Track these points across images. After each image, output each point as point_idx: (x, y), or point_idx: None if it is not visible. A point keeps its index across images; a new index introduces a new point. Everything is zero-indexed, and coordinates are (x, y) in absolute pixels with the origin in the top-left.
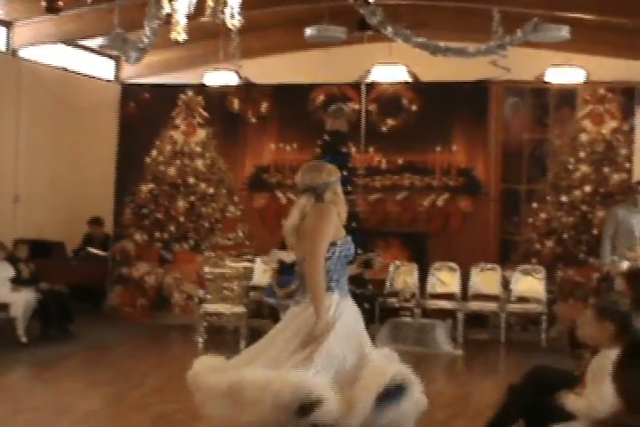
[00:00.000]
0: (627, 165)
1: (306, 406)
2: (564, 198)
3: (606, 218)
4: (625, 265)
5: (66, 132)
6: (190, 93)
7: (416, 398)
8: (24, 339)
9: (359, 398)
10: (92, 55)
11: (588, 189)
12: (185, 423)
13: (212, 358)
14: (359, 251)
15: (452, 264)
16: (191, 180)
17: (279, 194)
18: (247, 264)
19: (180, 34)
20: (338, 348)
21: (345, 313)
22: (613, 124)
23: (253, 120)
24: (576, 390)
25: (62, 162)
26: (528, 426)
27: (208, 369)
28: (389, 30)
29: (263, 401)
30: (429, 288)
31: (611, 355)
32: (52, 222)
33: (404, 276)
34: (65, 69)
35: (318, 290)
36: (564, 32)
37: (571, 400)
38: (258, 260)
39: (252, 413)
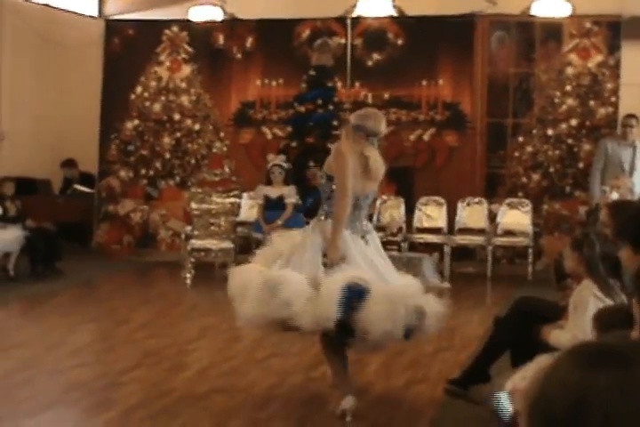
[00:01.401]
0: (612, 98)
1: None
2: (550, 132)
3: (596, 151)
4: (615, 196)
5: (50, 70)
6: (175, 29)
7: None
8: (11, 272)
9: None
10: None
11: (574, 122)
12: (174, 358)
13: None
14: None
15: (439, 198)
16: (176, 116)
17: (265, 129)
18: (234, 200)
19: None
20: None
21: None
22: (599, 57)
23: (238, 56)
24: (559, 322)
25: (47, 99)
26: (515, 357)
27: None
28: None
29: (298, 305)
30: (416, 222)
31: (590, 286)
32: (38, 160)
33: (390, 210)
34: (47, 6)
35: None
36: None
37: (554, 335)
38: (244, 195)
39: (284, 312)
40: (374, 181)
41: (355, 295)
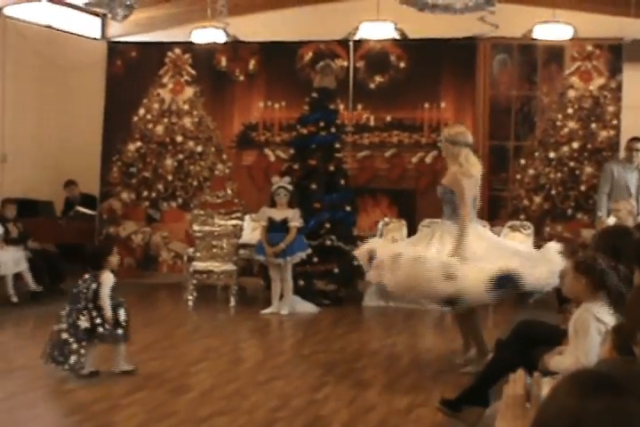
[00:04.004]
0: (614, 121)
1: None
2: (551, 155)
3: (602, 175)
4: (611, 221)
5: (52, 91)
6: (177, 51)
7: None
8: (14, 298)
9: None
10: (78, 13)
11: (575, 145)
12: (176, 380)
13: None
14: (347, 208)
15: (441, 221)
16: (179, 138)
17: (268, 151)
18: (236, 222)
19: None
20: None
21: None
22: (601, 80)
23: (241, 78)
24: (559, 348)
25: (49, 121)
26: None
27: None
28: None
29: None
30: None
31: (591, 309)
32: (40, 182)
33: (392, 233)
34: (50, 27)
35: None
36: None
37: (554, 362)
38: (247, 217)
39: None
40: None
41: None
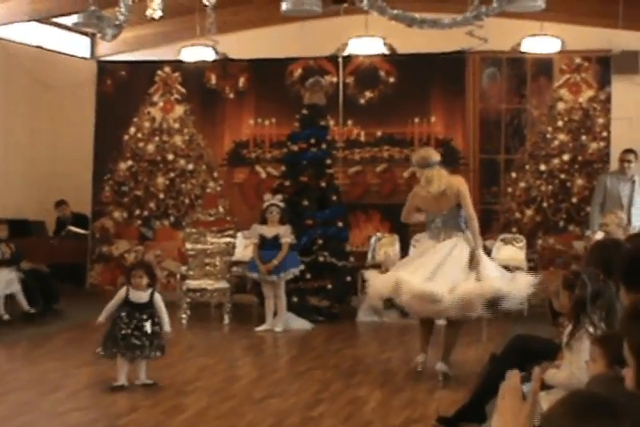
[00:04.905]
0: (604, 133)
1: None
2: (542, 167)
3: (595, 186)
4: (599, 235)
5: (42, 111)
6: (167, 70)
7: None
8: (6, 316)
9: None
10: (67, 33)
11: (566, 157)
12: (172, 400)
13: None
14: (340, 224)
15: None
16: (170, 156)
17: (259, 169)
18: (229, 240)
19: (155, 11)
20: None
21: None
22: (590, 92)
23: (231, 95)
24: (555, 362)
25: (39, 140)
26: None
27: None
28: (364, 2)
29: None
30: None
31: (584, 323)
32: (31, 202)
33: (385, 248)
34: (40, 47)
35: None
36: (540, 2)
37: (549, 374)
38: (239, 235)
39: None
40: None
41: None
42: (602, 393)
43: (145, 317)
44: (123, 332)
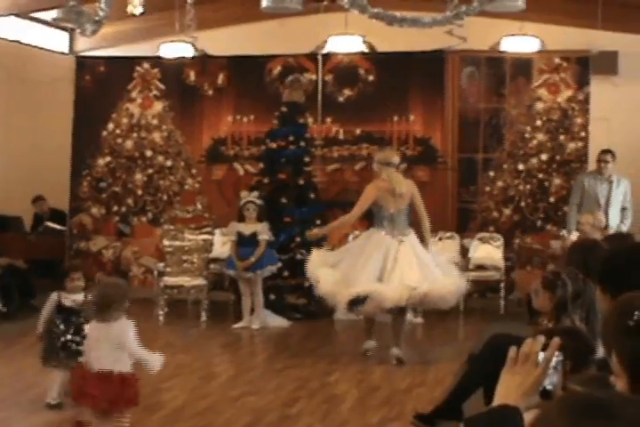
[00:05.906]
0: (582, 133)
1: None
2: (520, 166)
3: (573, 186)
4: (574, 237)
5: (20, 106)
6: (146, 66)
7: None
8: None
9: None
10: (46, 28)
11: (544, 157)
12: (148, 398)
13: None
14: (318, 222)
15: None
16: (148, 152)
17: (237, 166)
18: (206, 237)
19: (135, 7)
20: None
21: None
22: (569, 92)
23: (210, 92)
24: None
25: (17, 135)
26: (488, 395)
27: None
28: (345, 0)
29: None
30: None
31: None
32: (9, 197)
33: None
34: (18, 42)
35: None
36: (520, 2)
37: None
38: (217, 232)
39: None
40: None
41: None
42: (597, 395)
43: (82, 319)
44: (62, 339)
